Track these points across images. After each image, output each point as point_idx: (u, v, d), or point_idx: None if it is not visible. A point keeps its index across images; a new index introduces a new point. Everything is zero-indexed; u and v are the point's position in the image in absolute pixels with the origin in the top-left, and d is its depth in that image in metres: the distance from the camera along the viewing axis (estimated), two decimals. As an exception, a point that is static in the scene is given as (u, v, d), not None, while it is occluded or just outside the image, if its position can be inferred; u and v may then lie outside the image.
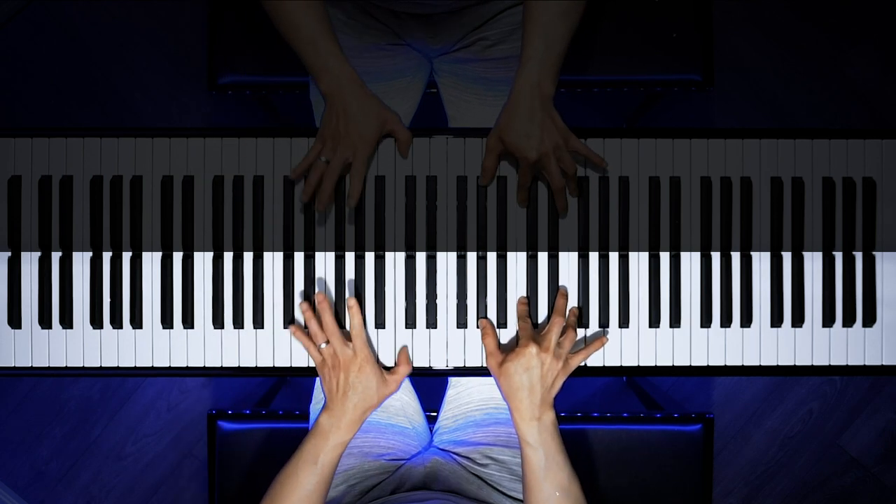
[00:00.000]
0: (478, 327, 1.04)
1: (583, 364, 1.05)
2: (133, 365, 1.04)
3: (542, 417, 0.94)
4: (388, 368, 1.03)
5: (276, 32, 1.03)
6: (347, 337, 1.00)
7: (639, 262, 1.05)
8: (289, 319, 1.04)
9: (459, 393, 1.19)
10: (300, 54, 1.01)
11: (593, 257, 1.05)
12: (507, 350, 0.99)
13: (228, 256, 1.05)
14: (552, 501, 0.93)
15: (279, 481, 0.96)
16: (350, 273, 1.04)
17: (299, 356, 1.05)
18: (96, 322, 1.04)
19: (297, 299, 1.04)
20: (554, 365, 0.96)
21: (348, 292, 1.04)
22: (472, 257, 1.05)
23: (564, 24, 0.97)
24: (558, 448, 0.94)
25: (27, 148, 1.05)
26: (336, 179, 1.01)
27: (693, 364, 1.05)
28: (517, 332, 1.03)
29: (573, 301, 1.05)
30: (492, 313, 1.05)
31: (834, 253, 1.06)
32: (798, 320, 1.05)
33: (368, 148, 1.01)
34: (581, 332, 1.05)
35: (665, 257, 1.05)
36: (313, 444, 0.96)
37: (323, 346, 0.99)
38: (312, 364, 1.04)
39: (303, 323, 1.04)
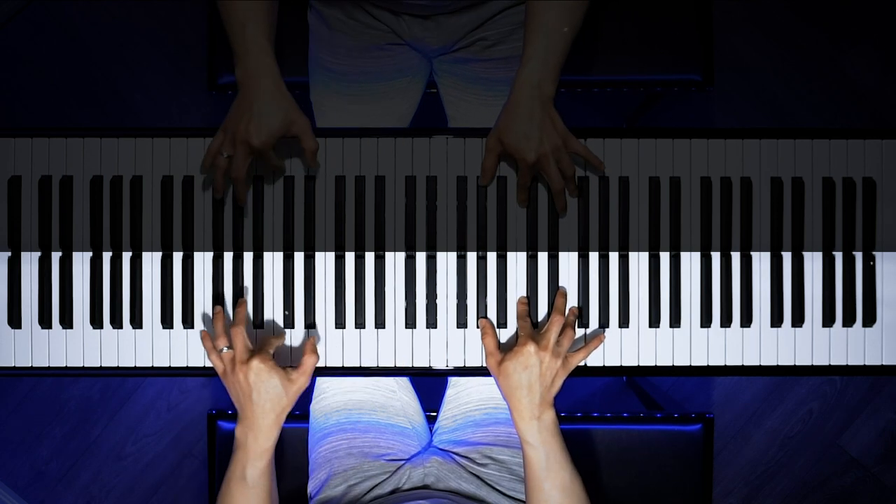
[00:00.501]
0: (478, 327, 1.04)
1: (583, 364, 1.05)
2: (133, 365, 1.04)
3: (541, 416, 0.94)
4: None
5: (278, 33, 1.03)
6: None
7: (639, 262, 1.05)
8: (288, 320, 1.04)
9: (459, 393, 1.19)
10: (228, 34, 0.98)
11: (593, 257, 1.05)
12: (507, 349, 0.99)
13: (228, 256, 1.05)
14: (554, 501, 0.92)
15: (219, 502, 0.95)
16: (350, 273, 1.04)
17: (299, 356, 1.05)
18: (96, 322, 1.04)
19: (299, 297, 1.04)
20: (553, 363, 0.96)
21: (348, 292, 1.04)
22: (472, 257, 1.05)
23: (566, 24, 0.97)
24: (559, 447, 0.94)
25: (27, 148, 1.05)
26: (243, 174, 0.98)
27: (693, 364, 1.05)
28: (517, 330, 1.03)
29: (573, 301, 1.05)
30: (492, 313, 1.05)
31: (834, 253, 1.06)
32: (798, 320, 1.05)
33: (266, 145, 0.96)
34: (580, 332, 1.05)
35: (665, 257, 1.05)
36: (237, 460, 0.94)
37: (225, 350, 0.97)
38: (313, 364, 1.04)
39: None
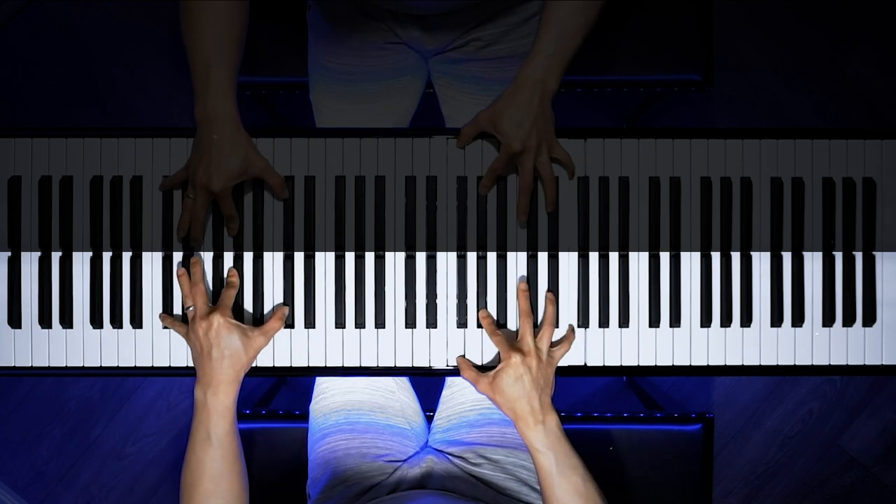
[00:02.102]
0: (478, 326, 1.04)
1: (583, 364, 1.05)
2: (133, 365, 1.04)
3: (545, 420, 0.94)
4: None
5: (277, 33, 1.03)
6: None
7: (639, 262, 1.05)
8: (287, 321, 1.04)
9: (454, 393, 1.19)
10: (191, 69, 0.98)
11: (593, 257, 1.05)
12: (490, 368, 0.99)
13: (229, 256, 1.05)
14: None
15: (185, 474, 0.94)
16: (350, 273, 1.04)
17: (299, 356, 1.05)
18: (96, 322, 1.04)
19: (299, 297, 1.04)
20: (541, 366, 0.97)
21: (348, 292, 1.04)
22: (472, 257, 1.05)
23: (579, 22, 0.97)
24: (568, 450, 0.94)
25: (27, 148, 1.05)
26: (203, 217, 1.00)
27: (693, 364, 1.05)
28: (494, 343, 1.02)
29: (573, 301, 1.05)
30: (492, 313, 1.05)
31: (834, 253, 1.06)
32: (798, 320, 1.05)
33: (226, 190, 0.98)
34: (581, 332, 1.05)
35: (665, 257, 1.05)
36: (199, 422, 0.94)
37: (189, 308, 0.99)
38: (313, 364, 1.04)
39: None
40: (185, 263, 1.04)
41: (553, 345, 1.01)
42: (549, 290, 1.04)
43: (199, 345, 0.96)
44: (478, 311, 1.04)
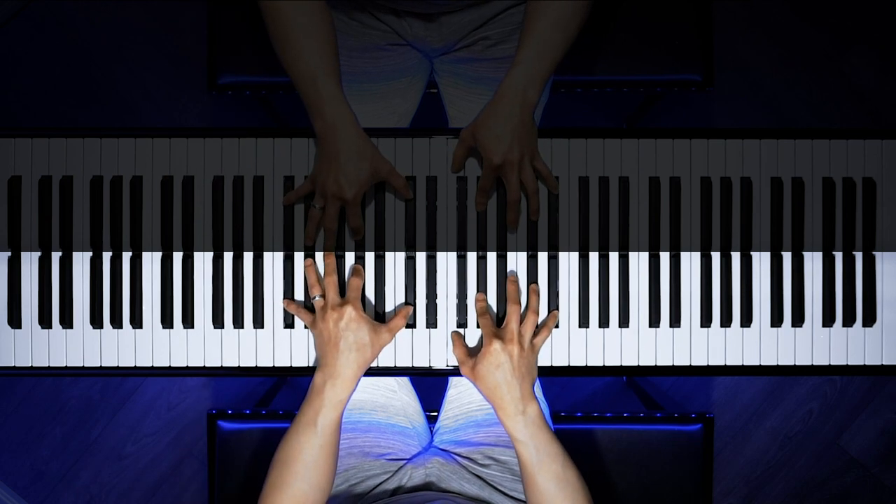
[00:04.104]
0: (478, 327, 1.04)
1: (584, 364, 1.05)
2: (133, 365, 1.04)
3: (526, 410, 0.94)
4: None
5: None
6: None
7: (639, 262, 1.05)
8: (289, 320, 1.04)
9: (460, 393, 1.19)
10: (298, 89, 0.97)
11: (593, 257, 1.05)
12: (476, 354, 0.99)
13: (228, 256, 1.05)
14: (550, 493, 0.93)
15: (281, 450, 0.94)
16: (350, 273, 1.04)
17: (299, 356, 1.05)
18: (96, 322, 1.04)
19: (299, 297, 1.04)
20: (522, 354, 0.97)
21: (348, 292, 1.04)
22: (472, 257, 1.05)
23: (559, 34, 0.97)
24: (548, 439, 0.95)
25: (27, 148, 1.05)
26: (335, 226, 1.01)
27: (693, 364, 1.05)
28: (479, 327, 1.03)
29: (573, 301, 1.05)
30: (492, 313, 1.05)
31: (834, 253, 1.06)
32: (798, 320, 1.05)
33: (358, 196, 0.98)
34: (581, 332, 1.05)
35: (665, 257, 1.05)
36: (310, 405, 0.94)
37: (317, 298, 1.00)
38: (313, 364, 1.04)
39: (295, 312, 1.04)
40: (186, 263, 1.04)
41: (535, 334, 1.02)
42: (549, 289, 1.04)
43: (329, 334, 0.96)
44: (477, 309, 1.04)
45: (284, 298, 1.03)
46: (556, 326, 1.05)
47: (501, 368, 0.95)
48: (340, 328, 0.96)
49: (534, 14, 0.97)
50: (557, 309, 1.04)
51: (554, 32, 0.97)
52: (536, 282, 1.04)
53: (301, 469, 0.92)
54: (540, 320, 1.04)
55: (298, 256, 1.05)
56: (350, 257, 1.04)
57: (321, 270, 1.04)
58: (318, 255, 1.04)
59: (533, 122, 0.99)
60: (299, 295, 1.05)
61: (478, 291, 1.04)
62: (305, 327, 1.04)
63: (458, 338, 1.04)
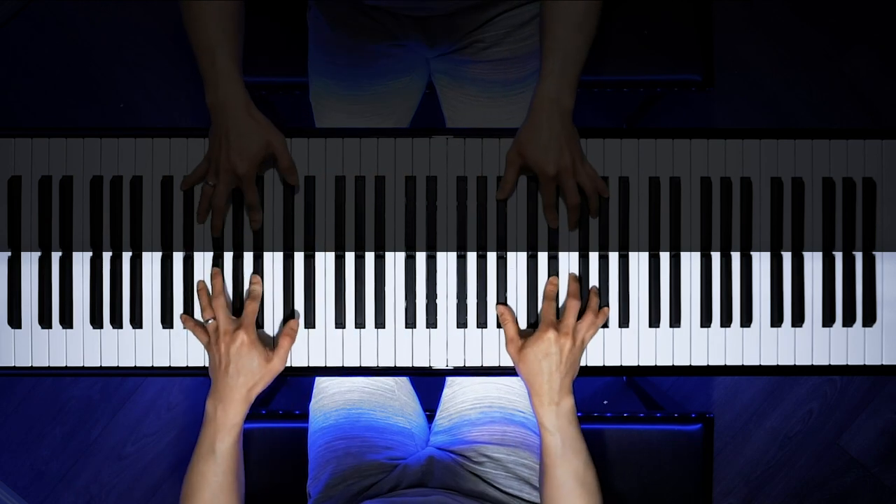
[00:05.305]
0: (498, 326, 1.04)
1: (583, 364, 1.05)
2: (133, 365, 1.04)
3: (560, 403, 0.95)
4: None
5: (277, 33, 1.03)
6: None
7: (639, 262, 1.05)
8: (289, 319, 1.04)
9: (455, 392, 1.19)
10: (197, 58, 0.99)
11: (593, 257, 1.05)
12: (526, 336, 0.99)
13: (228, 256, 1.05)
14: (567, 488, 0.93)
15: (186, 485, 0.95)
16: (350, 273, 1.04)
17: (299, 356, 1.05)
18: (96, 322, 1.04)
19: (299, 297, 1.04)
20: (573, 350, 0.97)
21: (348, 292, 1.04)
22: (472, 257, 1.05)
23: (580, 37, 0.97)
24: (576, 435, 0.95)
25: (27, 148, 1.05)
26: (225, 204, 1.01)
27: (693, 364, 1.05)
28: (540, 311, 1.02)
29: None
30: (492, 313, 1.05)
31: (834, 253, 1.06)
32: (798, 320, 1.05)
33: (251, 173, 0.98)
34: (600, 332, 1.05)
35: (665, 257, 1.05)
36: (205, 433, 0.95)
37: (210, 321, 0.99)
38: (313, 364, 1.04)
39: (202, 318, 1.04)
40: (186, 263, 1.04)
41: None
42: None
43: (220, 358, 0.96)
44: (478, 313, 1.04)
45: (182, 314, 1.03)
46: (605, 326, 1.05)
47: (549, 359, 0.96)
48: (231, 354, 0.96)
49: (550, 21, 0.98)
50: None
51: (574, 35, 0.97)
52: (536, 282, 1.04)
53: (209, 497, 0.93)
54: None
55: (298, 256, 1.05)
56: (350, 257, 1.04)
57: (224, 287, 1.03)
58: (326, 257, 1.04)
59: (574, 127, 0.99)
60: (299, 294, 1.05)
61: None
62: (305, 327, 1.04)
63: (510, 313, 1.03)
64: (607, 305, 1.04)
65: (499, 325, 1.04)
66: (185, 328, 1.03)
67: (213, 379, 0.97)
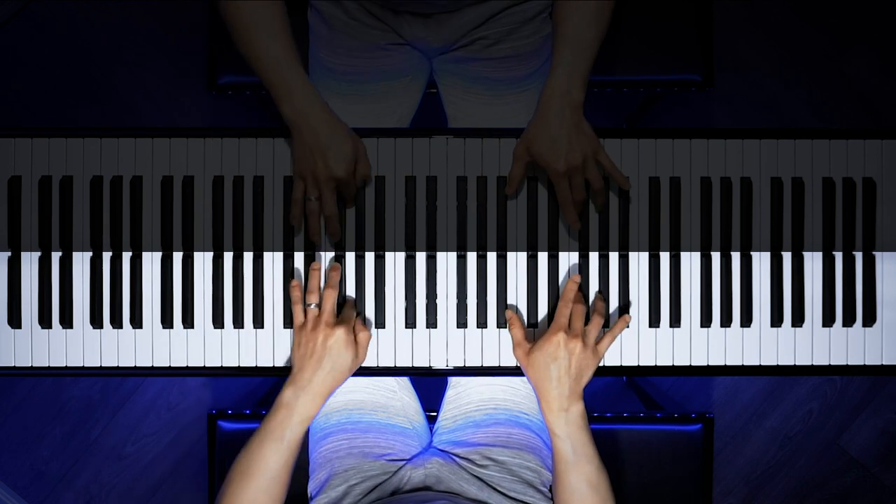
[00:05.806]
0: (498, 325, 1.04)
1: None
2: (133, 365, 1.04)
3: (570, 409, 0.94)
4: None
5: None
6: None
7: (639, 262, 1.05)
8: (289, 320, 1.04)
9: (459, 393, 1.18)
10: (262, 77, 0.97)
11: (593, 257, 1.05)
12: (534, 340, 0.99)
13: (228, 256, 1.05)
14: (579, 494, 0.93)
15: (243, 461, 0.93)
16: (350, 273, 1.04)
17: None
18: (96, 322, 1.04)
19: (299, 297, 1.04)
20: (582, 354, 0.96)
21: (349, 292, 1.04)
22: (472, 257, 1.05)
23: (591, 31, 0.97)
24: (587, 440, 0.95)
25: (27, 148, 1.05)
26: (336, 210, 1.00)
27: (693, 364, 1.05)
28: (555, 313, 1.00)
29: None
30: (492, 313, 1.05)
31: (834, 253, 1.06)
32: (798, 320, 1.05)
33: (350, 172, 0.98)
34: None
35: (665, 257, 1.05)
36: (278, 419, 0.93)
37: (312, 306, 0.98)
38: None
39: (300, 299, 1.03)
40: (186, 263, 1.04)
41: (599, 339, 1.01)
42: (549, 289, 1.04)
43: (314, 348, 0.95)
44: (478, 313, 1.04)
45: (294, 281, 1.01)
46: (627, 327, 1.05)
47: (558, 363, 0.95)
48: (328, 346, 0.95)
49: (563, 16, 0.98)
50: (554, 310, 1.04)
51: (586, 30, 0.97)
52: (536, 282, 1.04)
53: (264, 483, 0.92)
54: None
55: (299, 256, 1.05)
56: (350, 257, 1.04)
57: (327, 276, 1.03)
58: (326, 256, 1.04)
59: (585, 121, 0.98)
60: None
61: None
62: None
63: (517, 318, 1.03)
64: (628, 313, 1.04)
65: (499, 326, 1.04)
66: (290, 294, 1.01)
67: (298, 366, 0.95)
